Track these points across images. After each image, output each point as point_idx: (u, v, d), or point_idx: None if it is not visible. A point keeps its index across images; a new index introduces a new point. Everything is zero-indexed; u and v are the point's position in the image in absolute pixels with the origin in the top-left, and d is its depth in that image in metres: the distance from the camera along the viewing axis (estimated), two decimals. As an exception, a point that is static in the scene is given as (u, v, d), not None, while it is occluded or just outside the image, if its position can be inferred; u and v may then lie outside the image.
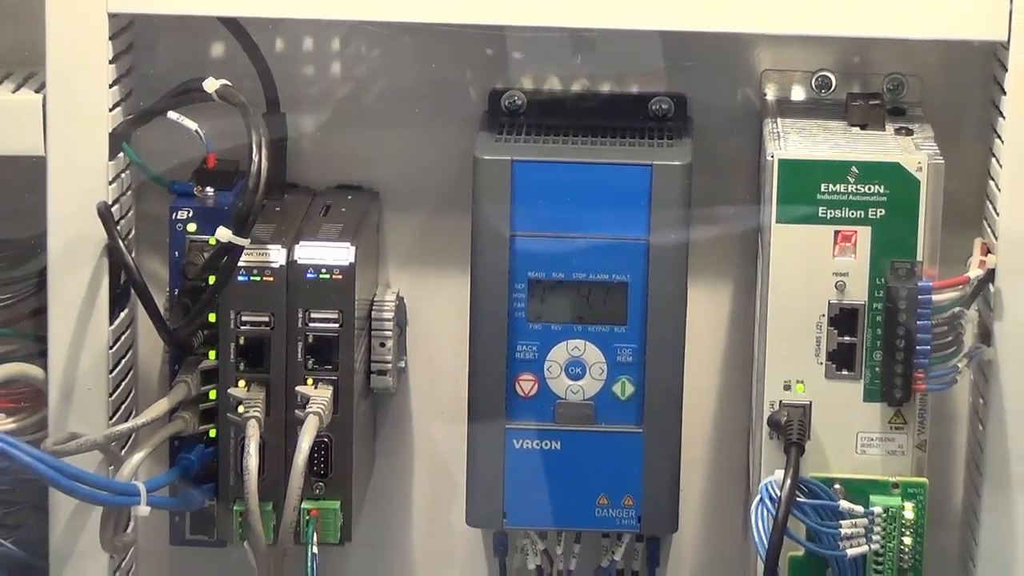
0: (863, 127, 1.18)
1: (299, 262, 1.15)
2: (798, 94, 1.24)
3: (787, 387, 1.14)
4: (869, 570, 1.14)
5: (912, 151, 1.14)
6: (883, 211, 1.13)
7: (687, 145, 1.18)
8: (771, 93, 1.24)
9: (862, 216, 1.13)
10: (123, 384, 1.22)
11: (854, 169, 1.12)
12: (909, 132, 1.17)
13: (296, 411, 1.15)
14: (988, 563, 1.19)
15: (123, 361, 1.21)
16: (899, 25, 1.15)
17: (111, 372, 1.18)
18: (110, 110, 1.16)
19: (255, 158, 1.13)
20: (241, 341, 1.16)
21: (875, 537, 1.13)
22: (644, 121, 1.22)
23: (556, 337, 1.17)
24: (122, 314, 1.20)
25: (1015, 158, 1.14)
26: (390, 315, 1.21)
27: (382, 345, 1.20)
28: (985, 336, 1.16)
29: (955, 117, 1.22)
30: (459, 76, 1.25)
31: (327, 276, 1.15)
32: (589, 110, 1.24)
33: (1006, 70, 1.13)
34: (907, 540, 1.13)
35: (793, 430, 1.13)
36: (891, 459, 1.15)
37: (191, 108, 1.18)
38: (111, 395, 1.18)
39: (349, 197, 1.24)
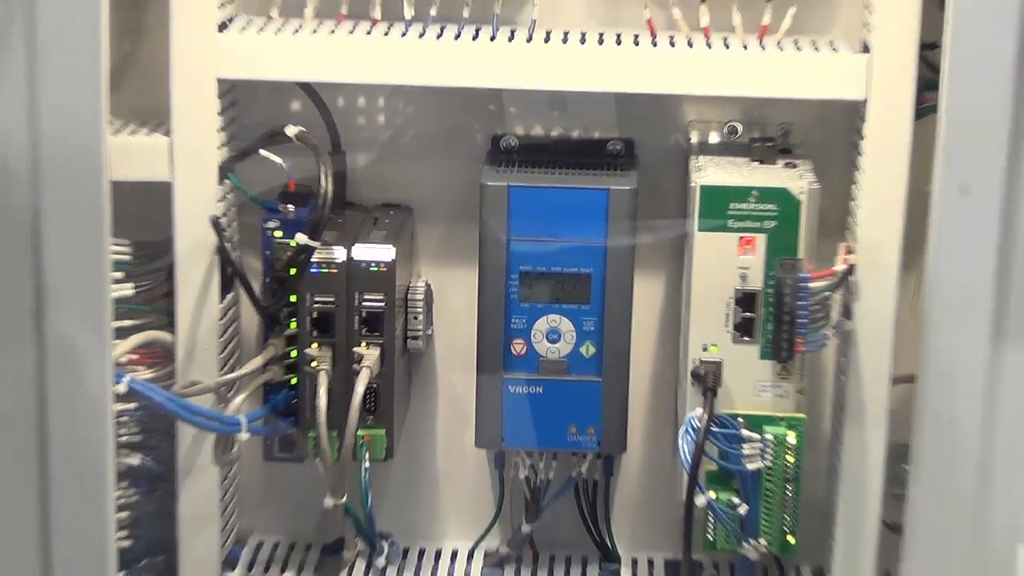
0: (761, 162, 1.23)
1: (355, 258, 1.20)
2: (714, 138, 1.26)
3: (705, 349, 1.19)
4: (762, 480, 1.18)
5: (796, 180, 1.18)
6: (774, 223, 1.17)
7: (634, 175, 1.22)
8: (695, 137, 1.27)
9: (759, 226, 1.18)
10: (229, 346, 1.26)
11: (754, 192, 1.17)
12: (794, 166, 1.22)
13: (353, 365, 1.20)
14: (848, 476, 1.22)
15: (229, 329, 1.26)
16: (785, 88, 1.19)
17: (221, 337, 1.23)
18: (218, 148, 1.21)
19: (323, 184, 1.18)
20: (314, 315, 1.20)
21: (767, 456, 1.18)
22: (602, 158, 1.25)
23: (539, 313, 1.21)
24: (228, 296, 1.25)
25: (870, 184, 1.19)
26: (421, 297, 1.25)
27: (415, 318, 1.24)
28: (847, 312, 1.20)
29: (827, 154, 1.25)
30: (469, 125, 1.27)
31: (375, 268, 1.19)
32: (563, 150, 1.27)
33: (864, 120, 1.18)
34: (790, 458, 1.18)
35: (709, 380, 1.18)
36: (779, 400, 1.20)
37: (277, 147, 1.21)
38: (221, 353, 1.23)
39: (391, 212, 1.27)
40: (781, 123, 1.26)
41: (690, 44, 1.21)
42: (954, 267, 1.03)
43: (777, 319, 1.17)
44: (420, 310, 1.24)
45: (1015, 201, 1.01)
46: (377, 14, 1.21)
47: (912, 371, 1.10)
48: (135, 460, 1.23)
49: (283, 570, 1.28)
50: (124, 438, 1.21)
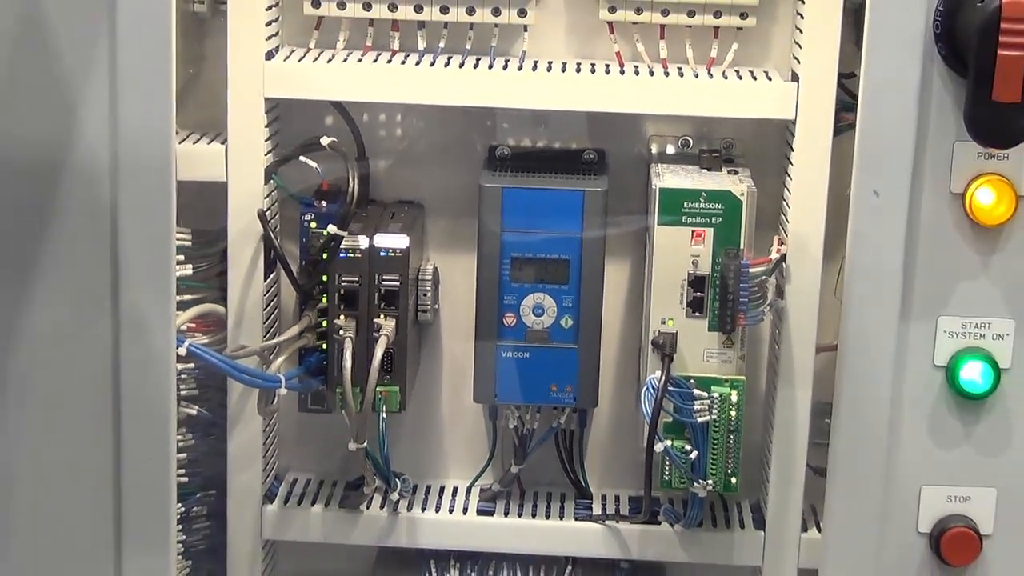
0: (708, 170, 1.23)
1: (376, 246, 1.19)
2: (670, 150, 1.26)
3: (663, 322, 1.19)
4: (710, 430, 1.19)
5: (737, 184, 1.19)
6: (720, 219, 1.18)
7: (605, 179, 1.22)
8: (654, 149, 1.27)
9: (708, 222, 1.18)
10: (271, 317, 1.26)
11: (703, 194, 1.17)
12: (736, 173, 1.22)
13: (373, 334, 1.19)
14: (780, 428, 1.23)
15: (271, 303, 1.26)
16: (728, 109, 1.20)
17: (264, 310, 1.23)
18: (265, 155, 1.21)
19: (350, 184, 1.19)
20: (341, 292, 1.20)
21: (714, 411, 1.19)
22: (579, 165, 1.25)
23: (527, 291, 1.21)
24: (271, 276, 1.25)
25: (798, 188, 1.19)
26: (429, 278, 1.25)
27: (424, 295, 1.24)
28: (780, 293, 1.21)
29: (763, 164, 1.25)
30: (470, 137, 1.28)
31: (392, 254, 1.19)
32: (547, 158, 1.26)
33: (793, 136, 1.19)
34: (732, 413, 1.19)
35: (666, 348, 1.18)
36: (724, 365, 1.20)
37: (313, 154, 1.22)
38: (264, 323, 1.24)
39: (405, 208, 1.27)
40: (725, 138, 1.26)
41: (651, 72, 1.21)
42: (868, 256, 1.03)
43: (722, 298, 1.18)
44: (429, 289, 1.24)
45: (917, 203, 1.02)
46: (396, 46, 1.22)
47: (833, 341, 1.11)
48: (192, 410, 1.23)
49: (313, 503, 1.27)
50: (184, 392, 1.22)
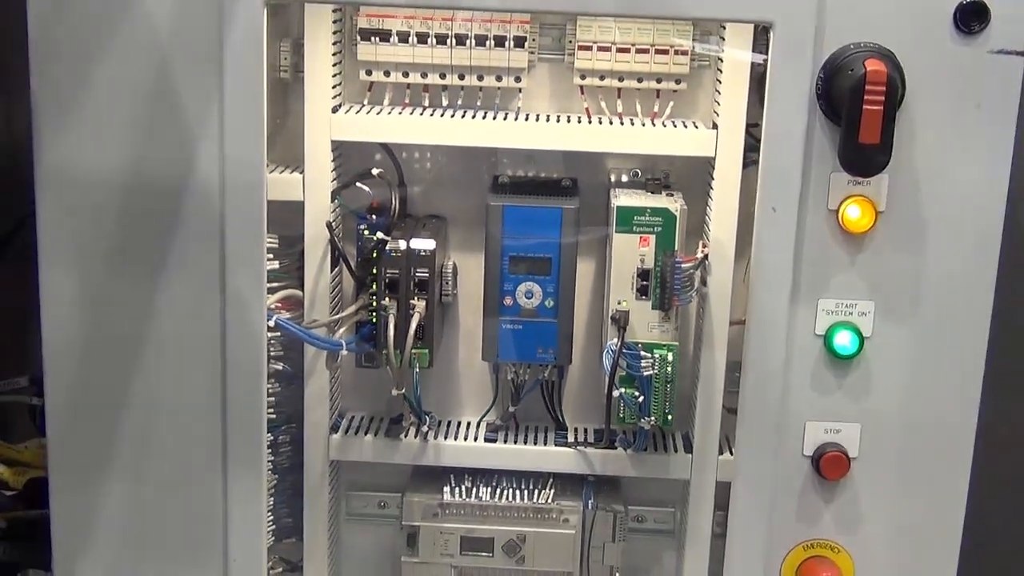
0: (652, 193, 1.21)
1: (412, 247, 1.18)
2: (624, 178, 1.25)
3: (619, 303, 1.18)
4: (652, 381, 1.18)
5: (673, 203, 1.17)
6: (660, 229, 1.16)
7: (577, 199, 1.21)
8: (613, 177, 1.25)
9: (651, 231, 1.16)
10: (336, 299, 1.24)
11: (648, 210, 1.16)
12: (672, 195, 1.20)
13: (409, 311, 1.18)
14: (703, 379, 1.21)
15: (336, 289, 1.24)
16: (666, 148, 1.18)
17: (331, 293, 1.22)
18: (331, 181, 1.20)
19: (393, 203, 1.20)
20: (386, 281, 1.18)
21: (655, 367, 1.18)
22: (559, 189, 1.23)
23: (520, 280, 1.20)
24: (335, 269, 1.23)
25: (716, 206, 1.18)
26: (450, 271, 1.23)
27: (446, 284, 1.23)
28: (704, 282, 1.19)
29: (691, 188, 1.23)
30: (480, 169, 1.26)
31: (423, 253, 1.18)
32: (535, 184, 1.25)
33: (713, 169, 1.18)
34: (669, 369, 1.18)
35: (621, 321, 1.17)
36: (663, 334, 1.18)
37: (367, 180, 1.21)
38: (330, 303, 1.22)
39: (433, 220, 1.25)
40: (664, 170, 1.24)
41: (611, 122, 1.20)
42: (768, 255, 1.04)
43: (662, 286, 1.17)
44: (449, 279, 1.23)
45: (803, 216, 1.02)
46: (426, 103, 1.21)
47: (742, 317, 1.11)
48: (279, 366, 1.22)
49: (366, 433, 1.26)
50: (272, 353, 1.20)
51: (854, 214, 1.02)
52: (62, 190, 1.02)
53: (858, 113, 0.95)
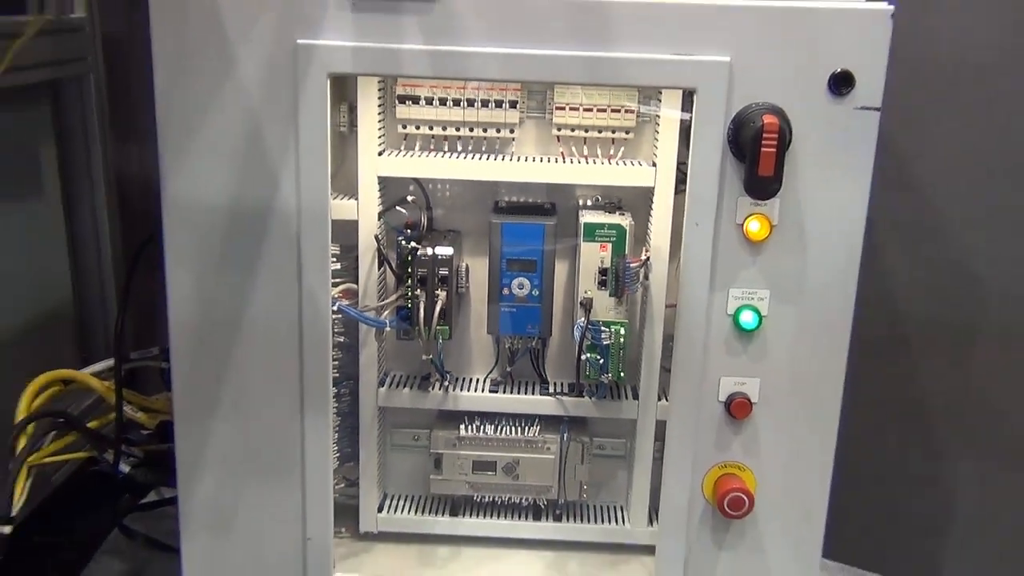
0: (609, 212, 1.19)
1: (436, 253, 1.16)
2: (589, 203, 1.22)
3: (585, 292, 1.16)
4: (610, 348, 1.17)
5: (624, 220, 1.16)
6: (615, 238, 1.15)
7: (555, 218, 1.19)
8: (580, 202, 1.23)
9: (609, 240, 1.15)
10: (381, 290, 1.21)
11: (606, 225, 1.15)
12: (624, 214, 1.18)
13: (434, 300, 1.16)
14: (647, 347, 1.19)
15: (381, 283, 1.21)
16: (620, 181, 1.16)
17: (378, 287, 1.20)
18: (377, 205, 1.17)
19: (423, 221, 1.19)
20: (418, 277, 1.17)
21: (612, 338, 1.17)
22: (542, 210, 1.21)
23: (514, 276, 1.18)
24: (381, 268, 1.20)
25: (656, 222, 1.16)
26: (464, 270, 1.21)
27: (461, 280, 1.20)
28: (646, 276, 1.17)
29: (638, 210, 1.21)
30: (485, 196, 1.23)
31: (444, 257, 1.16)
32: (525, 207, 1.22)
33: (653, 196, 1.16)
34: (621, 340, 1.17)
35: (587, 305, 1.16)
36: (617, 314, 1.17)
37: (403, 204, 1.20)
38: (378, 293, 1.20)
39: (451, 233, 1.23)
40: (618, 196, 1.22)
41: (579, 162, 1.18)
42: (692, 258, 1.02)
43: (616, 280, 1.16)
44: (463, 276, 1.21)
45: (718, 229, 1.01)
46: (446, 148, 1.19)
47: (674, 302, 1.09)
48: (341, 339, 1.21)
49: (404, 386, 1.24)
50: (335, 330, 1.18)
51: (755, 227, 1.01)
52: (181, 212, 1.01)
53: (757, 154, 0.94)
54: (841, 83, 0.95)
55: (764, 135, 0.93)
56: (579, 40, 0.95)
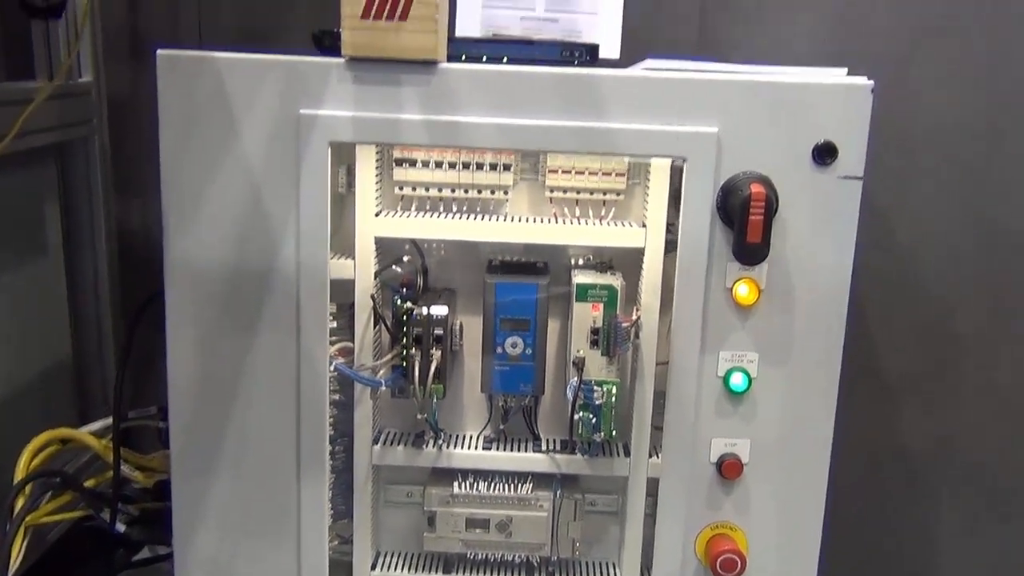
0: (600, 272, 1.20)
1: (431, 312, 1.17)
2: (580, 263, 1.24)
3: (578, 351, 1.17)
4: (603, 407, 1.17)
5: (616, 280, 1.17)
6: (607, 298, 1.16)
7: (548, 277, 1.20)
8: (573, 261, 1.24)
9: (601, 300, 1.16)
10: (377, 349, 1.23)
11: (598, 286, 1.16)
12: (615, 274, 1.20)
13: (429, 358, 1.17)
14: (638, 404, 1.19)
15: (376, 342, 1.22)
16: (610, 242, 1.17)
17: (373, 345, 1.21)
18: (374, 265, 1.19)
19: (419, 281, 1.20)
20: (413, 336, 1.17)
21: (604, 397, 1.17)
22: (535, 269, 1.22)
23: (508, 335, 1.19)
24: (377, 327, 1.21)
25: (646, 282, 1.16)
26: (458, 328, 1.22)
27: (455, 338, 1.21)
28: (637, 335, 1.18)
29: (629, 269, 1.22)
30: (479, 255, 1.24)
31: (439, 317, 1.17)
32: (518, 266, 1.23)
33: (644, 256, 1.16)
34: (613, 398, 1.18)
35: (579, 364, 1.16)
36: (609, 373, 1.18)
37: (399, 264, 1.21)
38: (373, 352, 1.21)
39: (446, 291, 1.24)
40: (609, 257, 1.24)
41: (571, 222, 1.20)
42: (684, 320, 1.04)
43: (608, 339, 1.17)
44: (457, 334, 1.22)
45: (708, 291, 1.03)
46: (441, 208, 1.21)
47: (665, 360, 1.10)
48: (336, 396, 1.21)
49: (398, 444, 1.24)
50: (331, 387, 1.18)
51: (743, 291, 1.03)
52: (184, 272, 1.03)
53: (746, 221, 0.96)
54: (825, 154, 0.98)
55: (752, 203, 0.95)
56: (571, 111, 0.98)
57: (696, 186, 0.99)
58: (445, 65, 0.98)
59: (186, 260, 1.01)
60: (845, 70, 1.04)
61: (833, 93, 0.97)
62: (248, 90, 0.98)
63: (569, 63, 1.05)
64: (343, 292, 1.19)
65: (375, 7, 0.94)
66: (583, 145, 1.01)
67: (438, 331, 1.17)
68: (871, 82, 0.97)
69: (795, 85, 0.98)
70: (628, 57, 1.22)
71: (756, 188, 0.95)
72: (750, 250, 0.97)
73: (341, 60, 0.98)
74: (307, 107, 0.98)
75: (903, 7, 1.30)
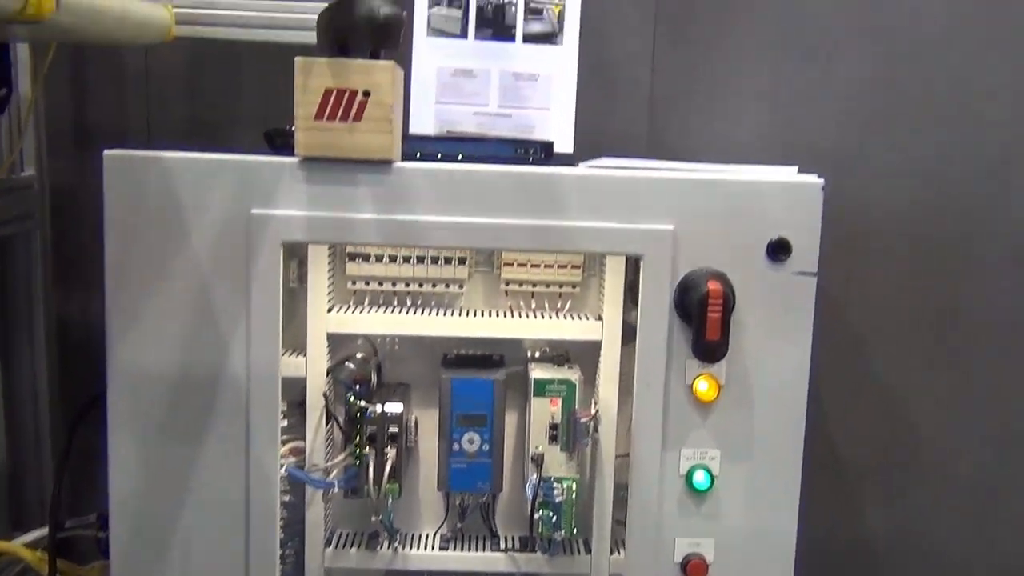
0: (557, 366, 1.20)
1: (385, 410, 1.16)
2: (537, 354, 1.23)
3: (537, 447, 1.16)
4: (563, 504, 1.16)
5: (573, 374, 1.17)
6: (565, 393, 1.16)
7: (504, 371, 1.18)
8: (529, 354, 1.23)
9: (559, 395, 1.16)
10: (328, 448, 1.20)
11: (556, 380, 1.16)
12: (572, 368, 1.20)
13: (384, 457, 1.15)
14: (598, 498, 1.18)
15: (329, 441, 1.20)
16: (567, 335, 1.17)
17: (325, 444, 1.18)
18: (326, 361, 1.16)
19: (372, 377, 1.19)
20: (367, 435, 1.16)
21: (564, 493, 1.17)
22: (491, 363, 1.21)
23: (464, 431, 1.17)
24: (329, 424, 1.19)
25: (604, 376, 1.17)
26: (413, 426, 1.20)
27: (411, 435, 1.19)
28: (596, 429, 1.17)
29: (587, 363, 1.22)
30: (435, 349, 1.22)
31: (393, 414, 1.16)
32: (475, 360, 1.22)
33: (601, 349, 1.17)
34: (573, 495, 1.17)
35: (538, 461, 1.15)
36: (568, 468, 1.17)
37: (351, 360, 1.18)
38: (325, 452, 1.18)
39: (400, 388, 1.23)
40: (566, 349, 1.24)
41: (526, 316, 1.19)
42: (643, 414, 1.03)
43: (567, 434, 1.16)
44: (413, 431, 1.20)
45: (668, 388, 1.02)
46: (395, 303, 1.20)
47: (625, 452, 1.10)
48: (287, 498, 1.18)
49: (352, 546, 1.22)
50: (282, 490, 1.13)
51: (703, 387, 1.02)
52: (128, 376, 1.00)
53: (704, 319, 0.97)
54: (778, 250, 0.99)
55: (710, 301, 0.96)
56: (528, 209, 0.98)
57: (653, 283, 1.00)
58: (400, 164, 0.98)
59: (130, 364, 0.99)
60: (796, 168, 1.06)
61: (785, 191, 0.99)
62: (198, 190, 0.97)
63: (524, 160, 1.06)
64: (295, 389, 1.17)
65: (329, 109, 0.94)
66: (540, 243, 1.01)
67: (393, 429, 1.15)
68: (821, 180, 0.99)
69: (748, 183, 0.99)
70: (578, 151, 1.23)
71: (713, 285, 0.96)
72: (710, 347, 0.97)
73: (294, 159, 0.97)
74: (259, 207, 0.97)
75: (851, 100, 1.33)
